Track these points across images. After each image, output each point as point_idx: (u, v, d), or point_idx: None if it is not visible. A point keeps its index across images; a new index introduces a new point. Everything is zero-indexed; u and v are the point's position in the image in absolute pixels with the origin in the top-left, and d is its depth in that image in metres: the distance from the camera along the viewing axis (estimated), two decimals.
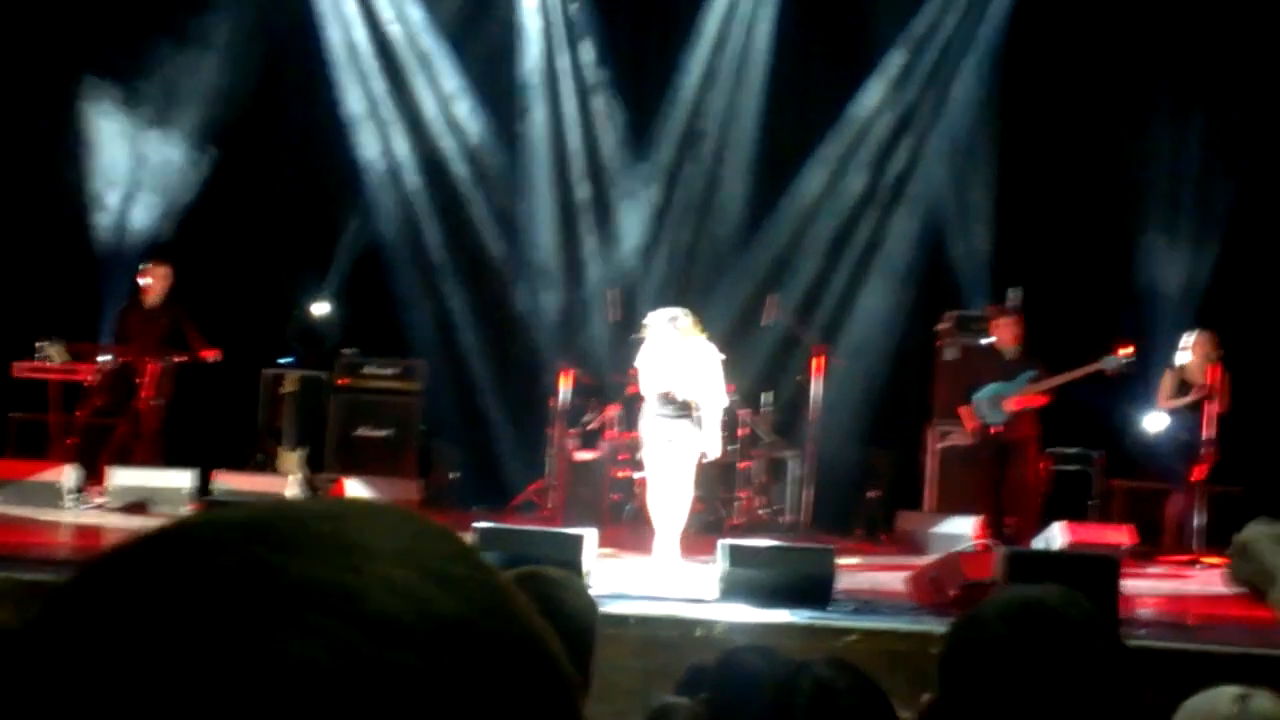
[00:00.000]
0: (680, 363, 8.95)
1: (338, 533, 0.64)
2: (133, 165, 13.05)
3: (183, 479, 10.40)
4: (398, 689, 0.59)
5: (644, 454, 9.17)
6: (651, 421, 9.03)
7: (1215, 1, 12.72)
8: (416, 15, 13.83)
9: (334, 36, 13.76)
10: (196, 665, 0.58)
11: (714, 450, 9.00)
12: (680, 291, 13.53)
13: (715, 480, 11.96)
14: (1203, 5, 12.74)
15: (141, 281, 11.56)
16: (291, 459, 12.10)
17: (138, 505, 10.13)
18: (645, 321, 9.13)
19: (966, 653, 1.76)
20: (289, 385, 12.46)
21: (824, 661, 2.81)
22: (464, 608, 0.63)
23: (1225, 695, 2.19)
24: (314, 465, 12.11)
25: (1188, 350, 11.22)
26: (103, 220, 13.00)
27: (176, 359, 11.41)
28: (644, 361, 9.05)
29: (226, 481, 10.24)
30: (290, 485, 10.09)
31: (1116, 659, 1.73)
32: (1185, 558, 10.88)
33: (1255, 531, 2.06)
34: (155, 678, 0.57)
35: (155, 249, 12.44)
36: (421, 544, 0.65)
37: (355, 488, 10.78)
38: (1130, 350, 10.82)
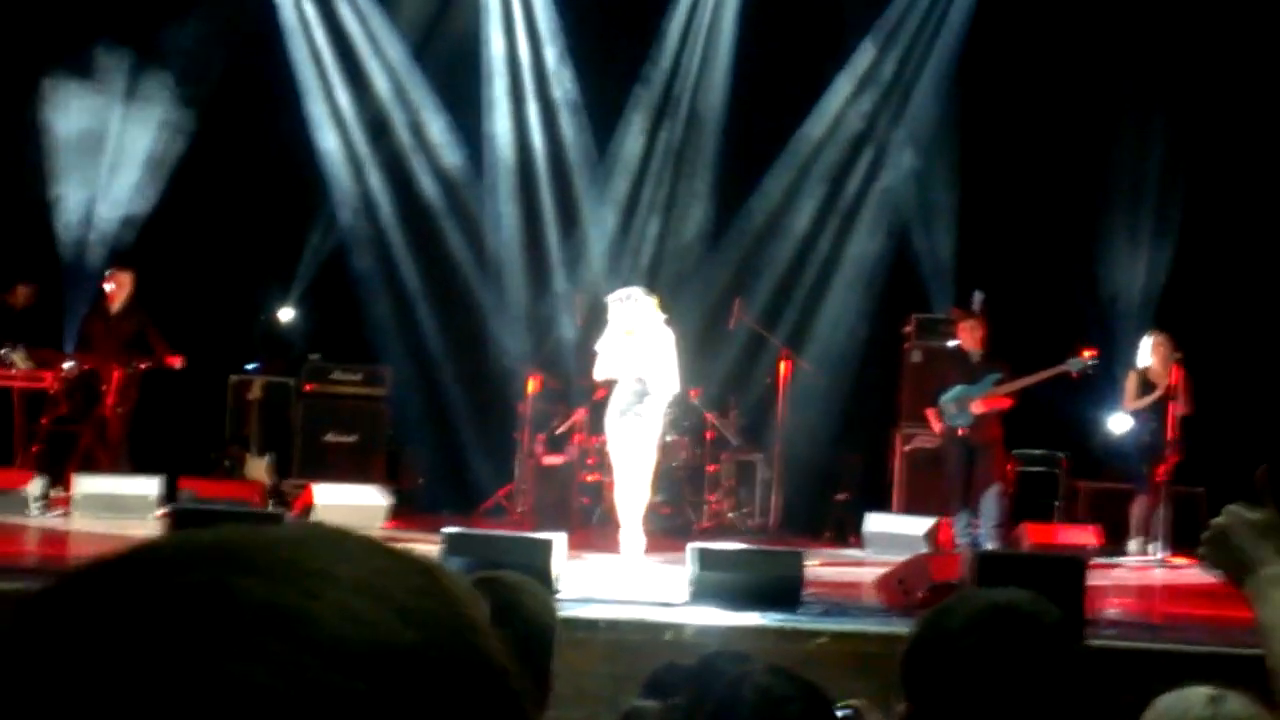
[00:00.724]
0: (638, 344, 9.02)
1: (303, 558, 0.64)
2: (95, 171, 12.97)
3: (149, 486, 10.34)
4: (341, 714, 0.60)
5: (610, 445, 9.26)
6: (615, 410, 9.10)
7: (1176, 7, 12.81)
8: (377, 19, 13.79)
9: (296, 43, 13.70)
10: (139, 680, 0.58)
11: (654, 433, 9.18)
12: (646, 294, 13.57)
13: (683, 483, 11.99)
14: (1163, 11, 12.83)
15: (106, 288, 11.51)
16: (259, 465, 12.06)
17: (104, 513, 10.07)
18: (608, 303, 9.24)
19: (931, 657, 1.77)
20: (255, 391, 12.42)
21: (762, 670, 2.82)
22: (421, 639, 0.63)
23: (1198, 696, 2.20)
24: (281, 471, 12.07)
25: (1148, 352, 11.33)
26: (65, 226, 12.91)
27: (141, 365, 11.36)
28: (603, 346, 9.11)
29: (193, 488, 10.18)
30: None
31: (1083, 663, 1.74)
32: (1149, 557, 10.97)
33: (1233, 518, 2.08)
34: (100, 692, 0.58)
35: (118, 255, 12.36)
36: (386, 574, 0.66)
37: (323, 493, 10.73)
38: (1093, 353, 10.91)
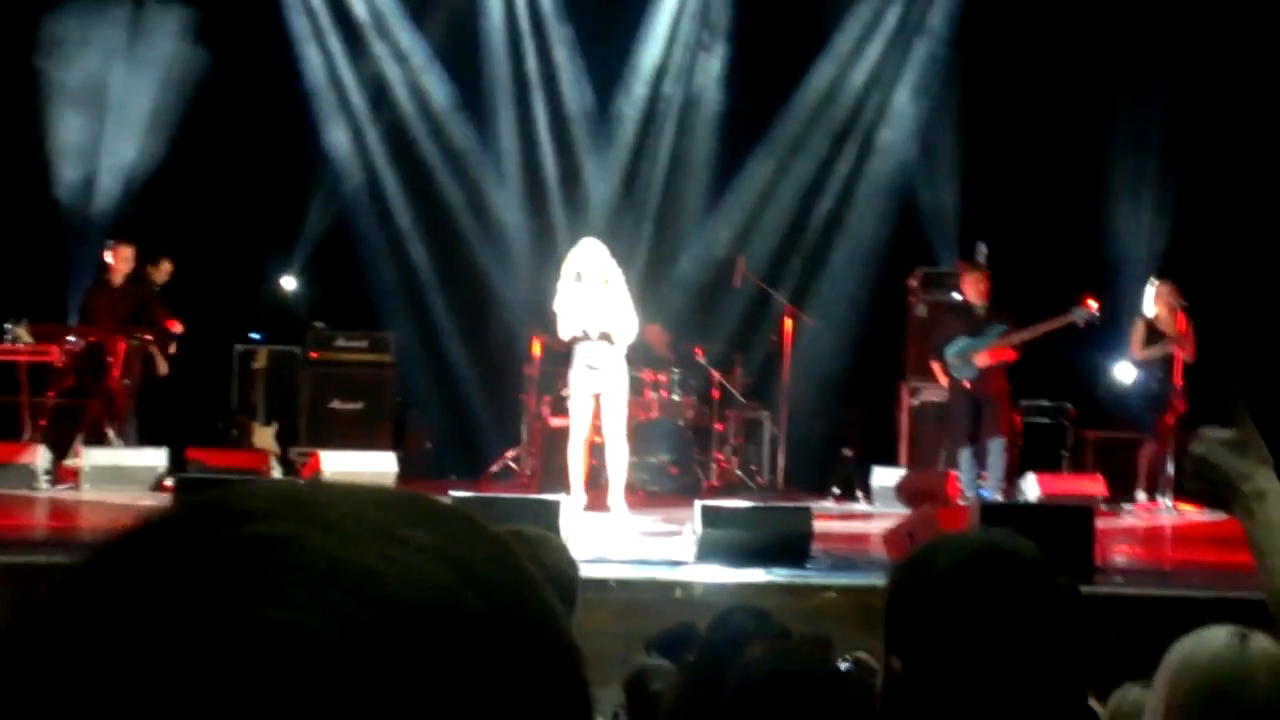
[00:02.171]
0: (596, 294, 8.89)
1: (377, 518, 0.65)
2: (95, 141, 12.94)
3: (156, 457, 10.37)
4: (400, 674, 0.60)
5: (572, 401, 9.15)
6: (582, 364, 8.98)
7: None
8: None
9: (294, 9, 13.63)
10: (203, 628, 0.59)
11: (625, 385, 9.16)
12: (650, 254, 13.56)
13: (690, 443, 11.99)
14: None
15: (107, 259, 11.51)
16: (266, 434, 12.08)
17: (111, 485, 10.09)
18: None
19: (914, 605, 1.74)
20: (260, 361, 12.41)
21: (741, 610, 2.84)
22: (490, 610, 0.63)
23: (1221, 634, 2.19)
24: (288, 439, 12.08)
25: (1152, 300, 11.31)
26: (66, 197, 12.88)
27: (145, 337, 11.37)
28: (561, 303, 8.96)
29: (200, 458, 10.20)
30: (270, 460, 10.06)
31: (1068, 599, 1.72)
32: (1158, 505, 10.99)
33: (1208, 443, 2.07)
34: (165, 638, 0.59)
35: (119, 227, 12.34)
36: (460, 541, 0.65)
37: (331, 461, 10.75)
38: (1096, 303, 10.88)
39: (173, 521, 0.65)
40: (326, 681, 0.59)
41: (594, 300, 8.86)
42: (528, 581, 0.67)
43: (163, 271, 12.01)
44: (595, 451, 11.82)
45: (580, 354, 8.99)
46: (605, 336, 8.89)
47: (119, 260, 11.45)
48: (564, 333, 9.01)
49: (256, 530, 0.63)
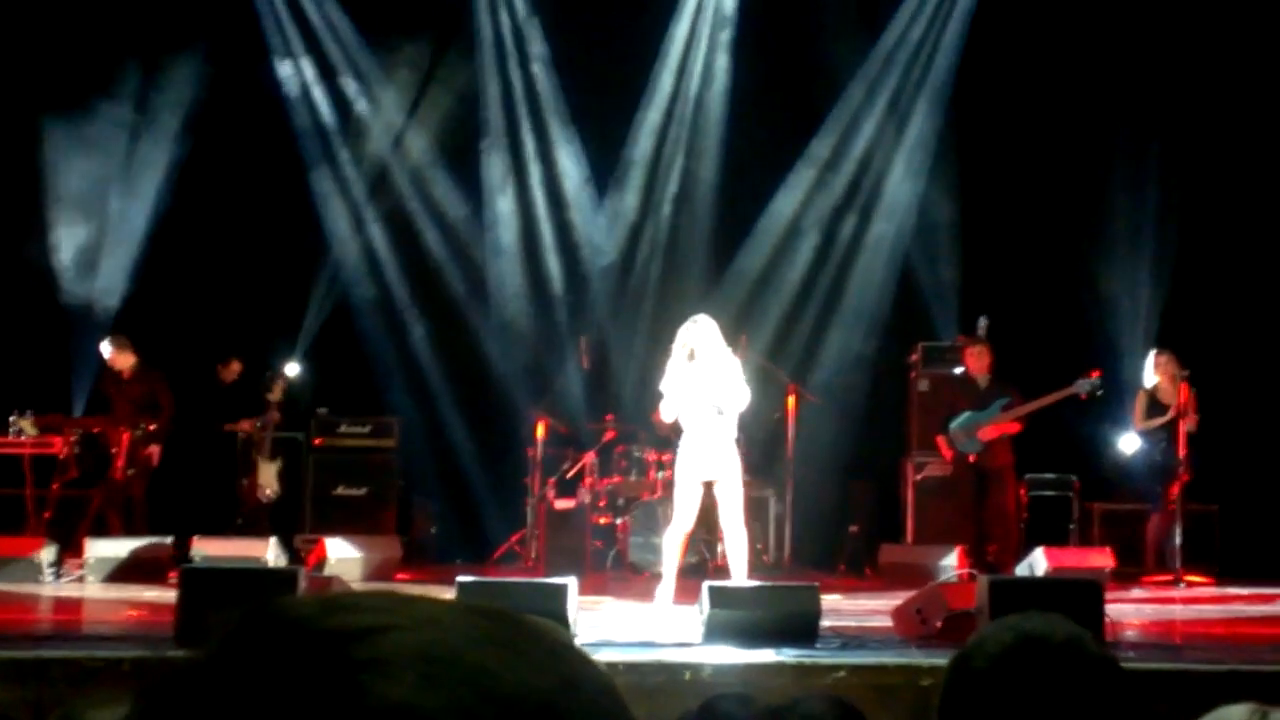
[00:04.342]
0: (705, 371, 8.33)
1: (488, 628, 0.70)
2: (97, 231, 13.05)
3: (162, 547, 10.34)
4: None
5: (681, 488, 8.46)
6: (694, 448, 8.36)
7: (1170, 33, 12.85)
8: (375, 76, 13.87)
9: (290, 94, 13.79)
10: (310, 706, 0.64)
11: (739, 464, 8.49)
12: (650, 336, 13.59)
13: (696, 522, 11.94)
14: (1159, 31, 12.88)
15: (104, 354, 11.60)
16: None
17: (117, 576, 10.05)
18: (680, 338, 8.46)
19: (965, 690, 1.74)
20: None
21: (813, 697, 2.81)
22: (586, 717, 0.69)
23: (1240, 712, 2.18)
24: (293, 526, 12.03)
25: (1152, 370, 11.33)
26: (69, 290, 12.97)
27: (150, 427, 11.39)
28: (668, 384, 8.38)
29: (206, 548, 10.16)
30: (270, 548, 10.02)
31: (1125, 696, 1.72)
32: (1167, 577, 10.93)
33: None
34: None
35: (121, 320, 12.41)
36: (557, 654, 0.71)
37: (336, 547, 10.72)
38: (1098, 374, 10.90)
39: (273, 614, 0.69)
40: None
41: (707, 377, 8.34)
42: (617, 699, 0.71)
43: (232, 371, 12.12)
44: (600, 533, 11.83)
45: (690, 436, 8.43)
46: (716, 411, 8.29)
47: (117, 353, 11.53)
48: (668, 413, 8.47)
49: (359, 620, 0.67)
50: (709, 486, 8.40)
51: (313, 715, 0.63)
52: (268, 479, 12.02)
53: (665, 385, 8.43)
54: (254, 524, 11.89)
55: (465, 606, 0.71)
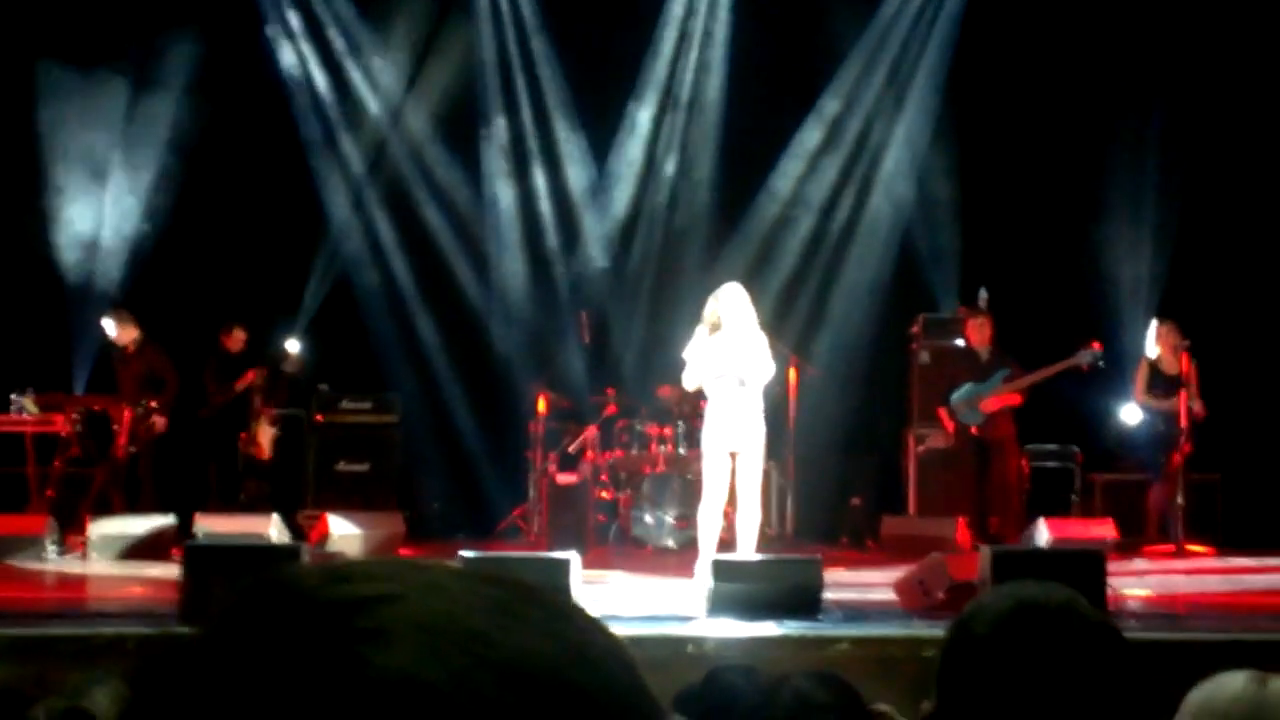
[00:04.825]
0: (729, 342, 8.24)
1: (495, 595, 0.70)
2: (97, 207, 13.05)
3: (164, 524, 10.36)
4: None
5: (708, 460, 8.36)
6: (719, 420, 8.28)
7: (1172, 2, 12.83)
8: (371, 48, 13.83)
9: (291, 73, 13.75)
10: (307, 677, 0.64)
11: (762, 439, 8.43)
12: (650, 309, 13.59)
13: (697, 496, 11.97)
14: (1160, 4, 12.84)
15: (106, 329, 11.60)
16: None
17: (119, 553, 10.08)
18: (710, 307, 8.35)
19: (963, 658, 1.75)
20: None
21: (805, 674, 2.82)
22: (594, 686, 0.68)
23: (1240, 678, 2.18)
24: (295, 502, 12.04)
25: (1154, 341, 11.32)
26: (68, 267, 12.97)
27: (152, 404, 11.40)
28: (691, 351, 8.28)
29: (209, 524, 10.19)
30: (273, 525, 10.04)
31: (1123, 662, 1.72)
32: (1169, 547, 10.95)
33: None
34: (271, 693, 0.64)
35: (121, 296, 12.41)
36: (567, 620, 0.71)
37: (338, 523, 10.74)
38: (1099, 345, 10.89)
39: (275, 586, 0.69)
40: None
41: (734, 347, 8.25)
42: (626, 662, 0.71)
43: (236, 340, 12.10)
44: (603, 507, 11.84)
45: (717, 406, 8.34)
46: (739, 382, 8.22)
47: (119, 329, 11.54)
48: (690, 381, 8.37)
49: (362, 590, 0.67)
50: (734, 457, 8.32)
51: (312, 687, 0.63)
52: (265, 439, 12.02)
53: (689, 353, 8.33)
54: (257, 501, 11.91)
55: (473, 573, 0.71)
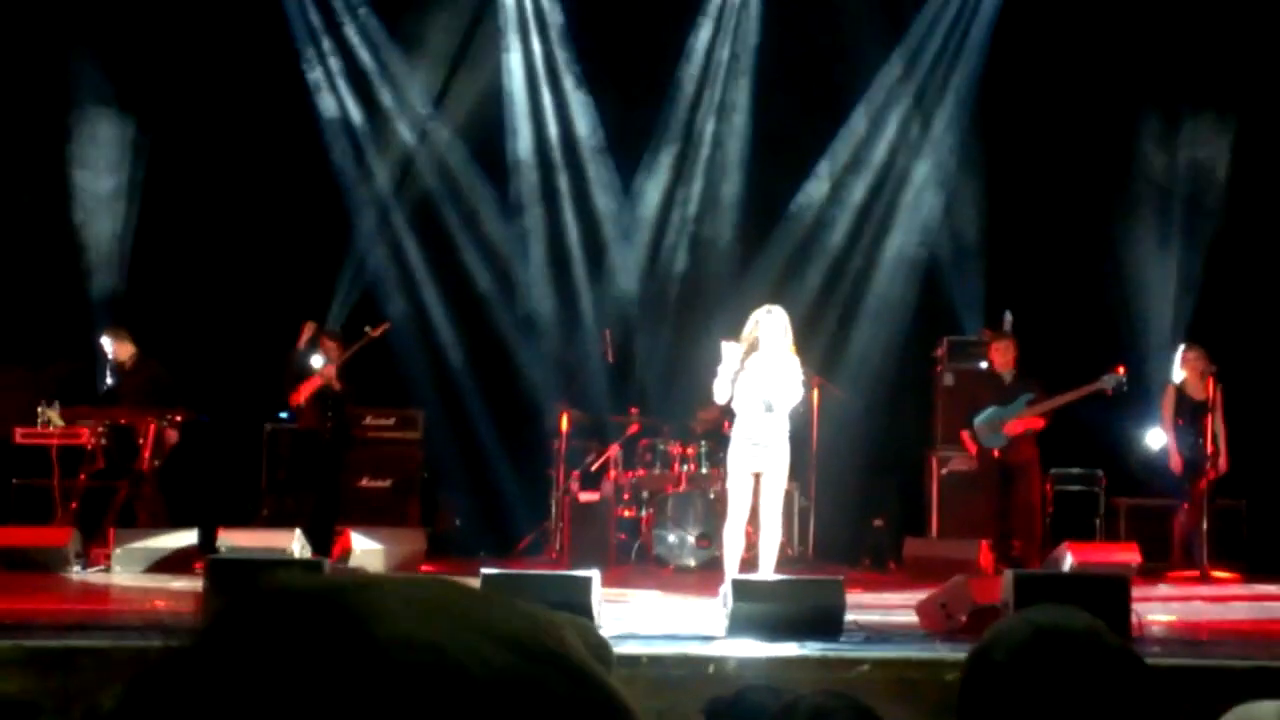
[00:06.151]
0: (764, 365, 8.25)
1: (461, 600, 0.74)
2: (123, 222, 13.14)
3: (187, 538, 10.39)
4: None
5: (731, 479, 8.40)
6: (745, 439, 8.30)
7: (1194, 25, 12.78)
8: (399, 64, 13.91)
9: (321, 91, 13.84)
10: (318, 657, 0.68)
11: (786, 461, 8.41)
12: (675, 330, 13.58)
13: (719, 515, 11.96)
14: (1186, 28, 12.81)
15: (105, 347, 11.66)
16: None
17: (144, 566, 10.12)
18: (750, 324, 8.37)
19: (983, 686, 1.74)
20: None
21: (820, 692, 2.82)
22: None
23: (1270, 709, 2.17)
24: (332, 515, 12.03)
25: (1180, 366, 11.28)
26: (96, 280, 13.05)
27: (177, 418, 11.44)
28: (725, 368, 8.27)
29: (232, 538, 10.21)
30: (295, 539, 10.06)
31: (1143, 689, 1.71)
32: (1194, 573, 10.88)
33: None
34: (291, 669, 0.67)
35: (143, 309, 12.47)
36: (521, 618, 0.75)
37: (360, 539, 10.75)
38: (1123, 370, 10.85)
39: (265, 587, 0.73)
40: (448, 688, 0.66)
41: (766, 371, 8.28)
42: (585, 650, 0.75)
43: (303, 339, 11.95)
44: (625, 525, 11.84)
45: (743, 427, 8.36)
46: (766, 405, 8.24)
47: (117, 346, 11.59)
48: (721, 394, 8.34)
49: (345, 580, 0.73)
50: (758, 478, 8.34)
51: (322, 659, 0.66)
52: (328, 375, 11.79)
53: (722, 367, 8.33)
54: (279, 516, 11.93)
55: (434, 577, 0.76)
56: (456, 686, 0.66)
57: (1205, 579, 10.72)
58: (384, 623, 0.68)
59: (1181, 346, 11.50)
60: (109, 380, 11.86)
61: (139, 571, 10.05)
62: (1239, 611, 9.05)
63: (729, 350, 8.32)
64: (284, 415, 12.72)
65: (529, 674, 0.69)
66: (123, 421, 11.33)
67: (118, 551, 10.23)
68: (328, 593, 0.70)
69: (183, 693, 0.69)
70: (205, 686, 0.68)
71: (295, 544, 10.00)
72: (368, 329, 11.79)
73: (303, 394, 11.58)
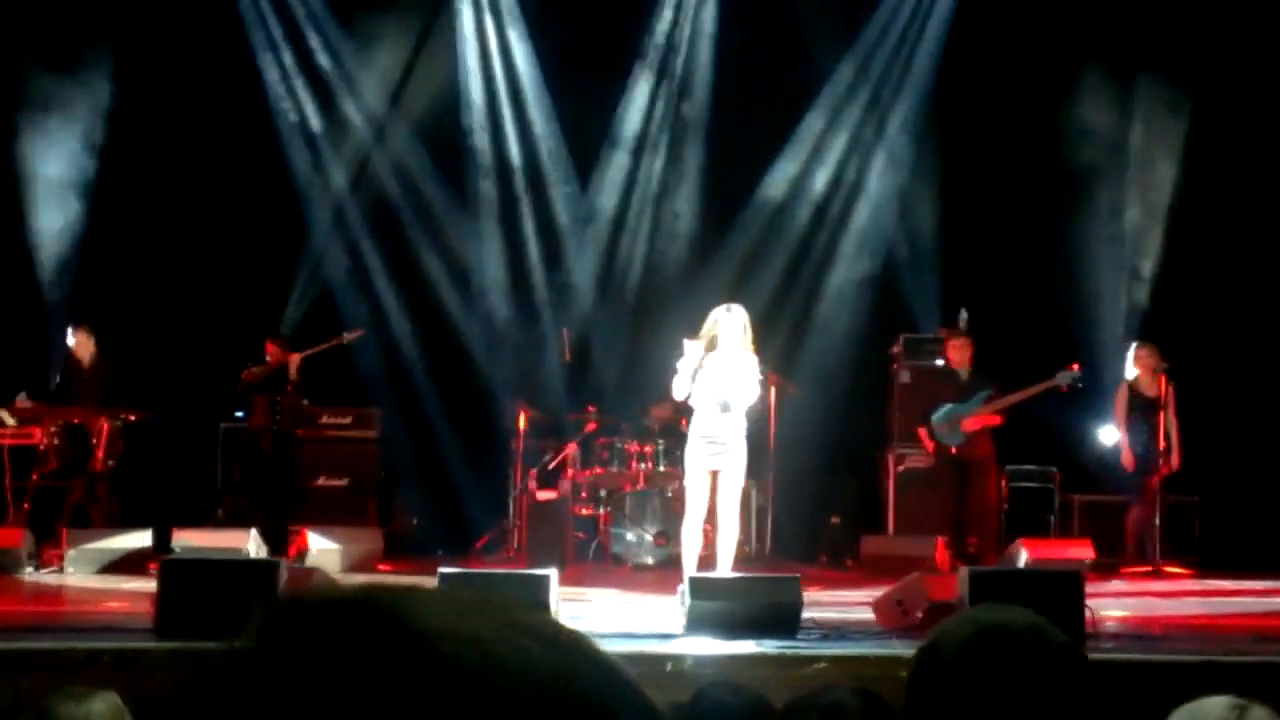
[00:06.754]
0: (722, 363, 8.27)
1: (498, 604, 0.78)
2: (75, 222, 13.02)
3: (141, 539, 10.31)
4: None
5: (690, 478, 8.42)
6: (700, 437, 8.32)
7: (1148, 27, 12.90)
8: (353, 61, 13.84)
9: (277, 91, 13.77)
10: (368, 656, 0.70)
11: (744, 461, 8.42)
12: (633, 328, 13.58)
13: (677, 514, 11.97)
14: (1143, 28, 12.93)
15: (70, 343, 11.56)
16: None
17: (97, 567, 10.03)
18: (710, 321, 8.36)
19: (930, 685, 1.75)
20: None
21: (841, 689, 2.84)
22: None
23: (1220, 705, 2.19)
24: (286, 513, 11.97)
25: (1133, 363, 11.37)
26: (47, 280, 12.93)
27: (130, 418, 11.34)
28: (685, 364, 8.28)
29: (187, 539, 10.12)
30: (250, 539, 9.99)
31: (1087, 685, 1.73)
32: (1146, 568, 10.98)
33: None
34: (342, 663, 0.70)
35: (99, 307, 12.35)
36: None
37: (316, 539, 10.70)
38: (1077, 367, 10.94)
39: (300, 597, 0.75)
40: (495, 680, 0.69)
41: (724, 369, 8.29)
42: (608, 658, 0.78)
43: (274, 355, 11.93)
44: (582, 524, 11.83)
45: (700, 426, 8.38)
46: (723, 405, 8.25)
47: (79, 344, 11.49)
48: (679, 391, 8.34)
49: (376, 588, 0.75)
50: (715, 476, 8.36)
51: (369, 655, 0.69)
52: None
53: (682, 364, 8.34)
54: (235, 515, 11.86)
55: (462, 586, 0.79)
56: (500, 676, 0.70)
57: (1158, 574, 10.82)
58: (425, 619, 0.71)
59: (1134, 344, 11.60)
60: (59, 379, 11.74)
61: (92, 572, 9.97)
62: (1191, 607, 9.13)
63: (691, 348, 8.32)
64: (239, 415, 12.65)
65: (564, 665, 0.73)
66: (75, 421, 11.24)
67: (71, 552, 10.14)
68: (367, 596, 0.74)
69: (232, 697, 0.71)
70: (255, 690, 0.70)
71: (251, 544, 9.93)
72: (345, 335, 11.85)
73: (256, 374, 11.55)
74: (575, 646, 0.75)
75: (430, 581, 6.89)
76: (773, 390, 11.68)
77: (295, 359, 11.67)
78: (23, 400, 11.19)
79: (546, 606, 6.62)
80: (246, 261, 12.97)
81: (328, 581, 8.19)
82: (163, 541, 10.15)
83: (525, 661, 0.71)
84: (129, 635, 6.66)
